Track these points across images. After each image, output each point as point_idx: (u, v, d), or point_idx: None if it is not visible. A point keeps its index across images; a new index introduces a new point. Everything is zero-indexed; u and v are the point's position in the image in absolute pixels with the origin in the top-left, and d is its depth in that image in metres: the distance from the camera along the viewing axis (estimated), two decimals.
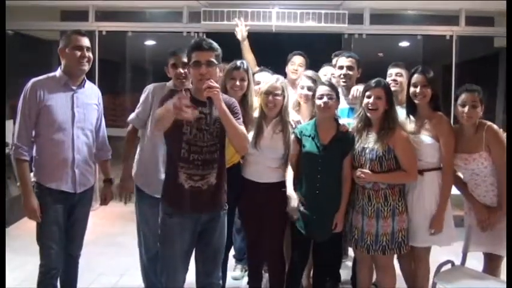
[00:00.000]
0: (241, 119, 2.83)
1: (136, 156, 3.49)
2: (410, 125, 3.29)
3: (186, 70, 3.26)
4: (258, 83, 3.76)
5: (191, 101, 2.62)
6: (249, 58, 4.45)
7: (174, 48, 3.39)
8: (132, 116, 3.48)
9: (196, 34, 6.89)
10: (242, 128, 2.75)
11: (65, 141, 2.98)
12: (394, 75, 3.86)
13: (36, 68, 7.36)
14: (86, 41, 3.04)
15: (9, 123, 5.13)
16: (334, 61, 4.30)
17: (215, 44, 2.73)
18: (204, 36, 6.71)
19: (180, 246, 2.75)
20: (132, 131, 3.52)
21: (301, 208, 3.23)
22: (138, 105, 3.48)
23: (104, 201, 3.36)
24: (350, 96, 3.74)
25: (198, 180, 2.71)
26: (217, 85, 2.60)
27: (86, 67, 3.04)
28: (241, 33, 4.78)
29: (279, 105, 3.30)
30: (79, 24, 6.96)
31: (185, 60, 3.25)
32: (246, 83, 3.37)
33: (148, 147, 3.38)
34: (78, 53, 2.99)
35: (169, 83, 3.44)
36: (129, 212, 3.86)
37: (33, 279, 3.05)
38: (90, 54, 3.08)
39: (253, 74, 3.71)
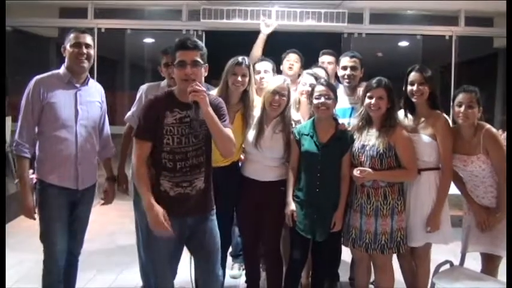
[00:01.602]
0: (228, 120, 2.76)
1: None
2: (408, 123, 3.29)
3: None
4: (259, 72, 3.75)
5: (175, 104, 2.63)
6: (257, 52, 4.35)
7: (167, 46, 3.37)
8: (128, 114, 3.48)
9: (195, 32, 6.88)
10: (228, 131, 2.67)
11: (68, 138, 2.97)
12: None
13: (34, 65, 7.40)
14: (85, 38, 3.03)
15: (7, 120, 5.11)
16: (321, 59, 4.26)
17: (200, 43, 2.65)
18: (203, 35, 6.73)
19: (164, 248, 2.71)
20: (129, 129, 3.51)
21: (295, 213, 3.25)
22: (133, 105, 3.47)
23: (107, 200, 3.34)
24: (356, 98, 3.71)
25: (187, 187, 2.66)
26: (203, 88, 2.54)
27: (85, 64, 3.03)
28: (269, 28, 4.54)
29: (283, 106, 3.29)
30: (78, 21, 6.97)
31: None
32: (247, 79, 3.35)
33: None
34: (76, 50, 2.99)
35: (164, 83, 3.42)
36: (127, 210, 3.85)
37: (31, 277, 3.06)
38: (91, 51, 3.06)
39: (254, 64, 3.68)
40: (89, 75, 3.15)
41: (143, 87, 3.46)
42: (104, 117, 3.27)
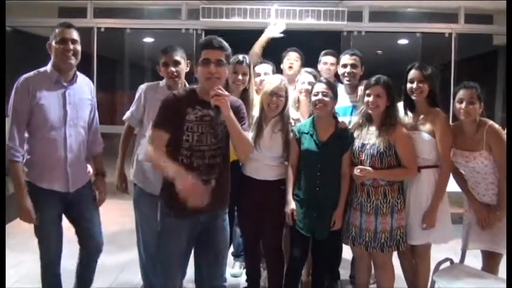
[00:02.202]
0: (247, 123, 2.77)
1: (134, 155, 3.47)
2: (408, 121, 3.29)
3: (177, 68, 3.24)
4: (258, 75, 3.75)
5: (197, 102, 2.61)
6: (256, 50, 4.24)
7: (166, 45, 3.35)
8: (127, 114, 3.46)
9: (195, 31, 6.89)
10: (248, 135, 2.69)
11: (57, 140, 2.91)
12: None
13: (33, 65, 7.35)
14: (71, 34, 2.93)
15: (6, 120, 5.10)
16: (323, 60, 4.19)
17: (226, 44, 2.64)
18: (203, 34, 6.73)
19: (177, 248, 2.70)
20: (128, 129, 3.51)
21: (295, 208, 3.23)
22: (132, 104, 3.46)
23: (100, 197, 3.25)
24: (358, 97, 3.70)
25: None
26: (226, 93, 2.54)
27: (73, 61, 2.94)
28: (274, 31, 4.39)
29: (281, 106, 3.29)
30: (77, 21, 6.92)
31: (176, 58, 3.25)
32: (247, 78, 3.37)
33: (145, 145, 3.35)
34: (62, 46, 2.90)
35: (163, 82, 3.41)
36: (127, 209, 3.85)
37: (31, 277, 3.05)
38: (77, 47, 2.96)
39: (254, 66, 3.69)
40: (77, 72, 3.06)
41: (142, 87, 3.44)
42: (93, 113, 3.20)
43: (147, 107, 3.33)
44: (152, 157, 2.64)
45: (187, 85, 3.33)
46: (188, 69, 3.38)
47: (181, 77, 3.30)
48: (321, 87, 3.24)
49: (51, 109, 2.89)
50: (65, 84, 2.97)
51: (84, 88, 3.11)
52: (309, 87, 3.51)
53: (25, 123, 2.87)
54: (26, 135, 2.90)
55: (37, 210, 2.90)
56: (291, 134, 3.31)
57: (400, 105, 3.33)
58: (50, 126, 2.89)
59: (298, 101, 3.67)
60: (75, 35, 2.96)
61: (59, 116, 2.92)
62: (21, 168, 2.88)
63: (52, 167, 2.93)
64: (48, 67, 2.98)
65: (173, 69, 3.25)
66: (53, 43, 2.93)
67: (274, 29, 4.39)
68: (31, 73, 2.95)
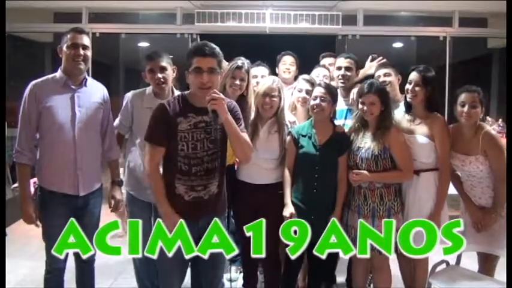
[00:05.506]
0: (243, 125, 2.73)
1: (126, 162, 3.45)
2: (406, 123, 3.29)
3: (164, 75, 3.21)
4: (255, 77, 3.74)
5: (189, 109, 2.58)
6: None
7: (151, 52, 3.33)
8: (116, 122, 3.41)
9: (189, 36, 6.90)
10: (245, 136, 2.66)
11: (66, 142, 2.90)
12: (383, 76, 3.78)
13: (28, 70, 7.37)
14: (83, 39, 2.95)
15: None
16: (322, 62, 4.30)
17: (218, 49, 2.57)
18: (198, 38, 6.73)
19: (176, 252, 2.63)
20: (118, 136, 3.45)
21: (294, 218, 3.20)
22: (120, 112, 3.44)
23: (114, 205, 3.23)
24: (351, 101, 3.70)
25: (201, 191, 2.63)
26: (222, 96, 2.50)
27: (82, 66, 2.95)
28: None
29: (275, 107, 3.28)
30: (72, 26, 6.96)
31: (162, 64, 3.21)
32: (245, 84, 3.35)
33: (135, 152, 3.34)
34: (73, 51, 2.91)
35: (149, 89, 3.38)
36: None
37: (27, 283, 3.03)
38: (88, 53, 2.98)
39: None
40: (86, 76, 3.06)
41: (128, 95, 3.41)
42: (107, 118, 3.18)
43: (135, 114, 3.32)
44: (151, 185, 2.67)
45: (175, 91, 3.32)
46: (175, 74, 3.36)
47: (168, 83, 3.26)
48: (319, 91, 3.24)
49: (59, 111, 2.89)
50: (74, 87, 2.97)
51: (95, 92, 3.10)
52: (306, 96, 3.51)
53: (34, 127, 2.88)
54: (37, 137, 2.91)
55: (46, 214, 2.90)
56: (288, 137, 3.31)
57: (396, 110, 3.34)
58: (58, 128, 2.89)
59: (295, 108, 3.67)
60: (86, 40, 2.98)
61: (67, 117, 2.91)
62: (27, 171, 2.91)
63: (61, 169, 2.91)
64: (58, 72, 2.98)
65: (160, 75, 3.21)
66: (64, 48, 2.95)
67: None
68: (39, 79, 2.96)
